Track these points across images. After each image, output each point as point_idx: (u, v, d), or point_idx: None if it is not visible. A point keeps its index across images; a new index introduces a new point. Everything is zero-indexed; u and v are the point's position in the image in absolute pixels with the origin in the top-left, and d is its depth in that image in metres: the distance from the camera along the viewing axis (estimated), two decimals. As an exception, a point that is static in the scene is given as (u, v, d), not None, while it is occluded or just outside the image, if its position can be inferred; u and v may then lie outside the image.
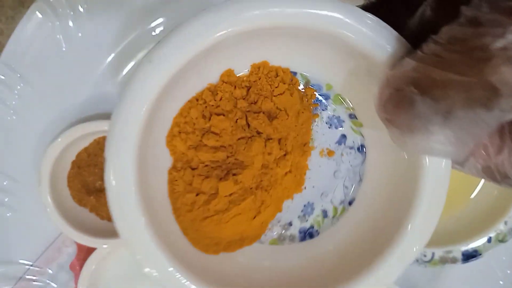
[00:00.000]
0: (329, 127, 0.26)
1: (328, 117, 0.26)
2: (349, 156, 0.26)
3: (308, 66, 0.25)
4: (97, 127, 0.45)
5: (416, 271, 0.46)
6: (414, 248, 0.23)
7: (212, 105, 0.24)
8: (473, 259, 0.43)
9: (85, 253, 0.49)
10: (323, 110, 0.26)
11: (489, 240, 0.43)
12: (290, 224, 0.26)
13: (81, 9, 0.45)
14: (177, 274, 0.22)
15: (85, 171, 0.48)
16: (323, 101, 0.26)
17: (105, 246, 0.45)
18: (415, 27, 0.23)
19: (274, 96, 0.24)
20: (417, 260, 0.42)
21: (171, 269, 0.22)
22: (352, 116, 0.26)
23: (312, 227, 0.27)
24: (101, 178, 0.48)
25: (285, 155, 0.24)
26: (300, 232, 0.27)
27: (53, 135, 0.47)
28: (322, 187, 0.26)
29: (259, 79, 0.24)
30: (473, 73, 0.17)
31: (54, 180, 0.46)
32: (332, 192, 0.26)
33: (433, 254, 0.43)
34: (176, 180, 0.24)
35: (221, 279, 0.24)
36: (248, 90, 0.24)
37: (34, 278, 0.49)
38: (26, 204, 0.48)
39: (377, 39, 0.21)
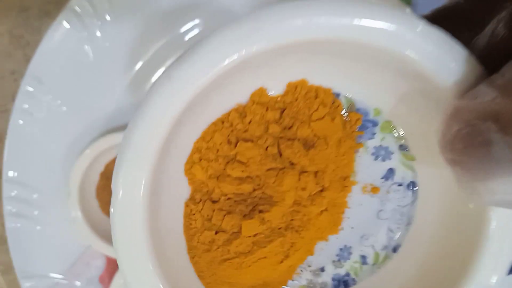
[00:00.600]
0: (375, 159, 0.22)
1: (375, 148, 0.22)
2: (397, 194, 0.22)
3: (353, 87, 0.22)
4: (118, 139, 0.45)
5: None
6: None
7: (240, 129, 0.20)
8: None
9: (114, 265, 0.49)
10: (369, 139, 0.22)
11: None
12: (323, 269, 0.23)
13: (108, 18, 0.45)
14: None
15: None
16: (370, 128, 0.22)
17: None
18: (483, 47, 0.19)
19: (313, 121, 0.20)
20: None
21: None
22: (403, 148, 0.22)
23: (348, 274, 0.23)
24: None
25: (321, 191, 0.21)
26: (333, 279, 0.23)
27: (82, 146, 0.47)
28: (362, 229, 0.23)
29: (296, 100, 0.21)
30: None
31: (82, 192, 0.46)
32: (374, 235, 0.23)
33: None
34: (194, 214, 0.21)
35: None
36: (282, 112, 0.21)
37: None
38: (54, 217, 0.48)
39: (444, 58, 0.17)
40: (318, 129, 0.20)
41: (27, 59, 0.48)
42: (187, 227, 0.21)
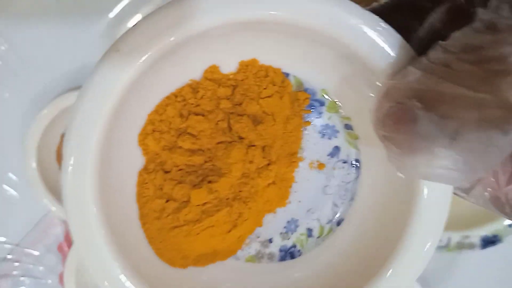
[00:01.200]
0: (321, 137, 0.24)
1: (322, 126, 0.24)
2: (342, 171, 0.24)
3: (302, 68, 0.23)
4: None
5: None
6: (405, 280, 0.21)
7: (192, 104, 0.22)
8: (492, 245, 0.41)
9: None
10: (316, 117, 0.24)
11: (511, 224, 0.41)
12: (271, 241, 0.24)
13: None
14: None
15: None
16: (317, 107, 0.24)
17: None
18: (424, 36, 0.21)
19: (262, 98, 0.22)
20: None
21: (126, 282, 0.20)
22: (348, 127, 0.24)
23: (294, 246, 0.25)
24: None
25: (268, 164, 0.22)
26: (280, 250, 0.25)
27: (42, 105, 0.43)
28: (309, 203, 0.24)
29: (247, 78, 0.22)
30: (488, 89, 0.15)
31: (41, 154, 0.43)
32: (320, 209, 0.24)
33: (449, 239, 0.41)
34: (146, 183, 0.22)
35: None
36: (233, 90, 0.22)
37: (18, 259, 0.46)
38: (10, 180, 0.45)
39: (378, 42, 0.19)
40: (267, 106, 0.22)
41: None
42: (140, 195, 0.22)
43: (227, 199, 0.22)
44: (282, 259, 0.24)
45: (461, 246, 0.41)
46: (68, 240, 0.46)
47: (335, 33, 0.19)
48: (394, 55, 0.19)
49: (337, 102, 0.24)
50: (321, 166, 0.24)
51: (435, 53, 0.17)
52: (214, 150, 0.22)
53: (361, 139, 0.24)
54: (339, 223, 0.24)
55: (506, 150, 0.15)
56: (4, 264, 0.45)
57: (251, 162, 0.22)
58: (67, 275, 0.43)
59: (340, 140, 0.24)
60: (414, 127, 0.16)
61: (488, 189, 0.18)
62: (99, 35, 0.43)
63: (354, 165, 0.24)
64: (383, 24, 0.19)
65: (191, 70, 0.22)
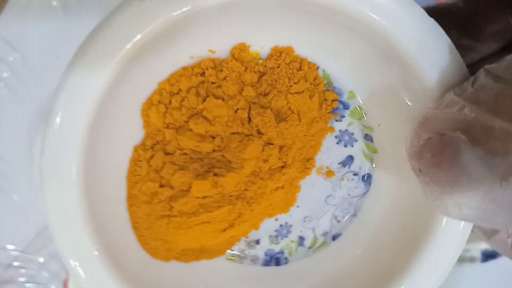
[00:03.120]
0: (337, 143, 0.23)
1: (340, 131, 0.22)
2: (350, 183, 0.23)
3: (335, 63, 0.21)
4: None
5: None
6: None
7: (213, 83, 0.20)
8: (492, 258, 0.41)
9: None
10: (336, 120, 0.22)
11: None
12: (258, 242, 0.23)
13: None
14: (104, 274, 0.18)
15: None
16: (340, 110, 0.22)
17: None
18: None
19: (290, 93, 0.20)
20: None
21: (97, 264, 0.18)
22: (368, 138, 0.22)
23: (282, 252, 0.23)
24: None
25: (282, 167, 0.21)
26: (266, 254, 0.23)
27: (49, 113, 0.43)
28: (307, 210, 0.23)
29: (278, 67, 0.20)
30: None
31: None
32: (318, 219, 0.23)
33: None
34: (140, 161, 0.20)
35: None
36: (260, 77, 0.20)
37: (23, 265, 0.46)
38: (16, 186, 0.44)
39: (432, 49, 0.17)
40: (294, 103, 0.20)
41: None
42: (131, 173, 0.20)
43: (230, 196, 0.20)
44: (266, 264, 0.23)
45: (462, 259, 0.41)
46: None
47: (380, 25, 0.18)
48: (448, 68, 0.18)
49: (363, 108, 0.22)
50: (329, 173, 0.23)
51: (482, 80, 0.16)
52: (227, 140, 0.20)
53: (380, 154, 0.23)
54: (335, 237, 0.23)
55: None
56: (9, 271, 0.46)
57: (265, 161, 0.20)
58: (71, 281, 0.44)
59: (356, 150, 0.23)
60: (457, 161, 0.15)
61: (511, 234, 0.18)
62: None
63: (365, 180, 0.23)
64: (441, 32, 0.18)
65: (215, 42, 0.20)
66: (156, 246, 0.20)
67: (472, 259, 0.41)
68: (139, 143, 0.20)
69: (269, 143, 0.20)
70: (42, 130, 0.39)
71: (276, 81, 0.20)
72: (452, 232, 0.20)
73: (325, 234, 0.23)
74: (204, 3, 0.17)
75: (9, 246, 0.46)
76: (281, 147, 0.21)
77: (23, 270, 0.46)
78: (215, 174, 0.20)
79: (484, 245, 0.40)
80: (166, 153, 0.20)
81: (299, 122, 0.20)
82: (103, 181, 0.19)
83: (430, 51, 0.18)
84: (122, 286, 0.18)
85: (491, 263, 0.41)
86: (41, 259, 0.46)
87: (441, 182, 0.16)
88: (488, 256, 0.41)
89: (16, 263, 0.46)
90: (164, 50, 0.19)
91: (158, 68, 0.19)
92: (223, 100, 0.20)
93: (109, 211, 0.19)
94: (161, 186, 0.20)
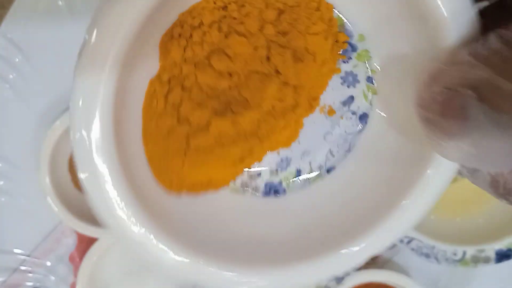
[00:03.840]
0: (341, 83, 0.24)
1: (346, 72, 0.23)
2: (348, 122, 0.24)
3: (349, 6, 0.22)
4: None
5: (446, 270, 0.45)
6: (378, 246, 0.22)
7: (235, 19, 0.20)
8: (507, 259, 0.42)
9: (86, 244, 0.48)
10: (343, 62, 0.23)
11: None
12: (259, 174, 0.24)
13: None
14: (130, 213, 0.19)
15: None
16: (348, 52, 0.23)
17: (107, 236, 0.44)
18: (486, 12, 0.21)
19: (309, 34, 0.21)
20: (446, 259, 0.42)
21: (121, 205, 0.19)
22: (369, 80, 0.24)
23: (280, 183, 0.25)
24: None
25: (295, 106, 0.22)
26: (266, 185, 0.25)
27: (55, 115, 0.45)
28: (307, 146, 0.24)
29: (298, 6, 0.20)
30: None
31: (54, 164, 0.45)
32: (315, 153, 0.25)
33: (464, 253, 0.42)
34: (157, 95, 0.20)
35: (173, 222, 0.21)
36: (279, 15, 0.20)
37: (30, 269, 0.47)
38: (23, 190, 0.46)
39: (450, 5, 0.18)
40: (312, 44, 0.21)
41: (0, 20, 0.44)
42: (147, 106, 0.20)
43: (247, 134, 0.21)
44: (266, 194, 0.25)
45: (476, 260, 0.42)
46: (80, 251, 0.48)
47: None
48: (462, 23, 0.19)
49: (369, 52, 0.23)
50: (331, 112, 0.24)
51: (494, 43, 0.18)
52: (245, 78, 0.20)
53: (379, 96, 0.24)
54: (329, 170, 0.25)
55: None
56: (17, 275, 0.47)
57: (281, 100, 0.21)
58: (79, 285, 0.45)
59: (357, 90, 0.24)
60: (465, 113, 0.17)
61: (492, 173, 0.20)
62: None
63: (362, 119, 0.24)
64: None
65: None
66: (170, 179, 0.21)
67: (486, 260, 0.42)
68: (154, 76, 0.20)
69: (285, 83, 0.21)
70: (47, 135, 0.41)
71: (295, 20, 0.20)
72: (437, 178, 0.22)
73: (320, 167, 0.25)
74: None
75: (16, 250, 0.47)
76: (295, 87, 0.21)
77: (30, 274, 0.48)
78: (233, 112, 0.20)
79: (498, 245, 0.42)
80: (183, 89, 0.20)
81: (314, 63, 0.21)
82: (128, 112, 0.19)
83: (449, 4, 0.19)
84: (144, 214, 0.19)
85: (506, 264, 0.42)
86: (48, 263, 0.48)
87: (447, 130, 0.17)
88: (503, 256, 0.42)
89: (23, 267, 0.48)
90: None
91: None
92: (245, 37, 0.20)
93: (130, 143, 0.20)
94: (179, 121, 0.20)
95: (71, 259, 0.49)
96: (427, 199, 0.22)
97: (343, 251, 0.22)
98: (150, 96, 0.20)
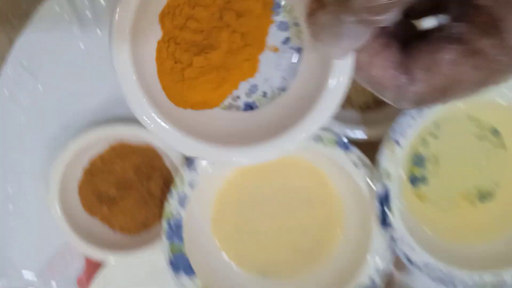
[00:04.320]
0: (277, 29, 0.38)
1: (279, 22, 0.37)
2: (290, 54, 0.38)
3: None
4: (114, 132, 0.46)
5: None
6: (322, 118, 0.35)
7: None
8: None
9: (93, 268, 0.50)
10: (275, 15, 0.37)
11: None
12: (238, 97, 0.39)
13: (102, 1, 0.44)
14: (156, 118, 0.34)
15: (98, 178, 0.49)
16: (276, 8, 0.37)
17: (115, 260, 0.47)
18: None
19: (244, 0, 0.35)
20: (464, 285, 0.44)
21: (152, 114, 0.34)
22: (296, 24, 0.37)
23: (254, 102, 0.39)
24: (116, 186, 0.49)
25: (245, 46, 0.36)
26: (244, 104, 0.39)
27: (65, 139, 0.46)
28: (266, 75, 0.38)
29: None
30: None
31: (63, 188, 0.46)
32: (273, 79, 0.39)
33: (482, 278, 0.43)
34: (162, 49, 0.35)
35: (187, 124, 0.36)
36: None
37: None
38: (32, 213, 0.48)
39: None
40: (247, 5, 0.35)
41: (11, 44, 0.46)
42: (158, 57, 0.35)
43: (217, 66, 0.36)
44: (245, 109, 0.39)
45: (495, 286, 0.43)
46: (88, 274, 0.50)
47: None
48: None
49: (290, 6, 0.37)
50: (275, 49, 0.38)
51: None
52: (210, 31, 0.35)
53: (304, 34, 0.38)
54: (284, 89, 0.39)
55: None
56: None
57: (233, 42, 0.35)
58: None
59: (290, 33, 0.38)
60: (338, 28, 0.24)
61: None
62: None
63: (299, 52, 0.38)
64: None
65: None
66: (178, 99, 0.36)
67: (506, 286, 0.43)
68: (160, 39, 0.35)
69: (235, 31, 0.36)
70: (58, 159, 0.44)
71: None
72: (336, 83, 0.34)
73: (278, 88, 0.39)
74: None
75: (25, 272, 0.49)
76: (242, 33, 0.36)
77: (37, 296, 0.49)
78: (206, 53, 0.35)
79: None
80: (176, 43, 0.35)
81: (251, 16, 0.36)
82: (146, 62, 0.35)
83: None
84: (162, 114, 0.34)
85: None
86: (54, 284, 0.50)
87: (326, 41, 0.26)
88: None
89: (30, 288, 0.49)
90: None
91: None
92: (204, 7, 0.35)
93: (151, 80, 0.35)
94: (176, 62, 0.35)
95: (79, 282, 0.50)
96: (335, 91, 0.35)
97: (293, 130, 0.36)
98: (159, 50, 0.35)
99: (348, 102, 0.50)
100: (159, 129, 0.34)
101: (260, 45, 0.37)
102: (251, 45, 0.37)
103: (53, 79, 0.45)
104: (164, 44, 0.35)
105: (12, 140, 0.46)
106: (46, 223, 0.47)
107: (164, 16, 0.35)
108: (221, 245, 0.50)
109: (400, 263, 0.47)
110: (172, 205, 0.45)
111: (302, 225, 0.50)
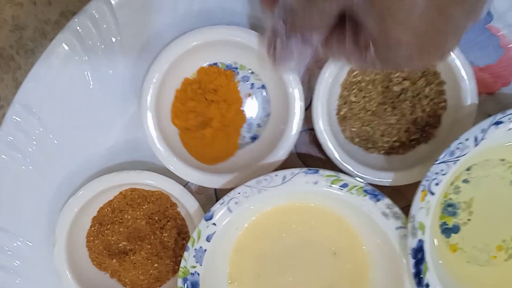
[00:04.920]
0: (243, 82, 0.53)
1: (241, 77, 0.53)
2: (260, 92, 0.53)
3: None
4: (124, 179, 0.45)
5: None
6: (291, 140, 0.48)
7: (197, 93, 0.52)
8: None
9: None
10: (236, 75, 0.53)
11: None
12: (244, 137, 0.54)
13: (113, 42, 0.42)
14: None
15: (108, 229, 0.47)
16: (236, 69, 0.53)
17: None
18: None
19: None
20: None
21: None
22: (252, 73, 0.53)
23: (255, 133, 0.54)
24: (126, 238, 0.47)
25: (229, 106, 0.52)
26: (250, 138, 0.54)
27: (73, 187, 0.45)
28: (252, 113, 0.54)
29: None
30: None
31: (71, 240, 0.44)
32: (258, 113, 0.54)
33: None
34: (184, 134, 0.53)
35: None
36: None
37: None
38: (38, 269, 0.45)
39: None
40: (218, 83, 0.52)
41: (17, 85, 0.44)
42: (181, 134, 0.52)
43: (219, 128, 0.51)
44: (253, 141, 0.54)
45: None
46: None
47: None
48: None
49: (245, 66, 0.53)
50: (249, 94, 0.53)
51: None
52: (203, 110, 0.51)
53: (260, 75, 0.53)
54: (268, 115, 0.54)
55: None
56: None
57: (221, 108, 0.51)
58: None
59: (252, 79, 0.53)
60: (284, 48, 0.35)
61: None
62: (132, 117, 0.47)
63: (263, 87, 0.53)
64: None
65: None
66: (201, 157, 0.51)
67: None
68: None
69: (218, 101, 0.51)
70: (65, 207, 0.42)
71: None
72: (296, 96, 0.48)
73: (265, 116, 0.54)
74: None
75: None
76: (224, 100, 0.52)
77: None
78: (207, 124, 0.51)
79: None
80: (187, 129, 0.52)
81: (223, 88, 0.52)
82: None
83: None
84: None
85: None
86: None
87: (278, 60, 0.38)
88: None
89: None
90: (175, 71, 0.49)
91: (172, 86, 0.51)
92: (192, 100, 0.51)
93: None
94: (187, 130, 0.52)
95: None
96: (295, 95, 0.49)
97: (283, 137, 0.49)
98: (182, 135, 0.52)
99: (373, 144, 0.49)
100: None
101: (238, 100, 0.53)
102: (234, 103, 0.52)
103: (60, 123, 0.43)
104: (184, 134, 0.52)
105: (17, 190, 0.44)
106: (52, 281, 0.44)
107: (175, 117, 0.51)
108: (239, 304, 0.47)
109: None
110: (188, 261, 0.43)
111: (326, 280, 0.46)
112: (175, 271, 0.48)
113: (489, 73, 0.48)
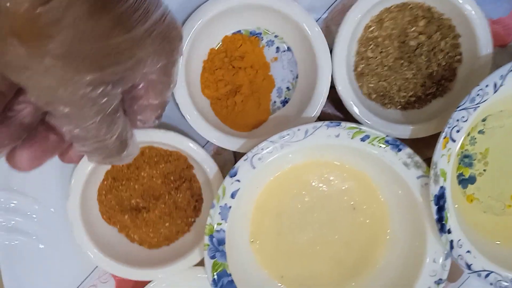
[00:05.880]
0: (268, 47, 0.54)
1: (266, 41, 0.54)
2: (285, 55, 0.54)
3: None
4: (143, 137, 0.45)
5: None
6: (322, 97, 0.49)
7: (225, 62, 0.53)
8: None
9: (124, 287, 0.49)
10: (261, 41, 0.54)
11: None
12: (275, 102, 0.55)
13: None
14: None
15: (123, 185, 0.47)
16: (260, 35, 0.54)
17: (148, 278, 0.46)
18: None
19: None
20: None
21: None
22: (276, 36, 0.54)
23: (285, 97, 0.52)
24: (141, 196, 0.48)
25: (257, 72, 0.53)
26: (281, 102, 0.55)
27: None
28: (281, 77, 0.55)
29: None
30: None
31: (85, 192, 0.46)
32: (285, 76, 0.54)
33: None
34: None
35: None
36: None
37: None
38: (59, 237, 0.48)
39: None
40: (243, 50, 0.52)
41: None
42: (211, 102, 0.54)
43: (250, 94, 0.53)
44: (284, 105, 0.54)
45: None
46: None
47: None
48: None
49: (267, 29, 0.54)
50: (275, 58, 0.54)
51: None
52: (232, 78, 0.52)
53: (285, 39, 0.54)
54: (296, 77, 0.54)
55: None
56: None
57: (249, 74, 0.52)
58: None
59: (276, 42, 0.54)
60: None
61: None
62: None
63: (289, 50, 0.54)
64: None
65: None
66: (234, 125, 0.53)
67: None
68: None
69: (246, 68, 0.52)
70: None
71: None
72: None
73: (293, 79, 0.54)
74: None
75: None
76: (251, 66, 0.53)
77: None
78: (238, 91, 0.52)
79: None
80: (218, 99, 0.53)
81: (249, 54, 0.53)
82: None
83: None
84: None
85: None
86: None
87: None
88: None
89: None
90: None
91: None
92: (220, 69, 0.52)
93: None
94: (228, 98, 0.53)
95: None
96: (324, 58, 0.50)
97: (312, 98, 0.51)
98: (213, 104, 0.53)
99: (390, 100, 0.48)
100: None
101: (265, 65, 0.54)
102: (261, 68, 0.53)
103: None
104: (215, 104, 0.53)
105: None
106: (73, 247, 0.46)
107: (205, 88, 0.53)
108: (261, 261, 0.48)
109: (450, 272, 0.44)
110: (214, 218, 0.43)
111: (345, 234, 0.47)
112: (184, 232, 0.48)
113: (502, 26, 0.50)
